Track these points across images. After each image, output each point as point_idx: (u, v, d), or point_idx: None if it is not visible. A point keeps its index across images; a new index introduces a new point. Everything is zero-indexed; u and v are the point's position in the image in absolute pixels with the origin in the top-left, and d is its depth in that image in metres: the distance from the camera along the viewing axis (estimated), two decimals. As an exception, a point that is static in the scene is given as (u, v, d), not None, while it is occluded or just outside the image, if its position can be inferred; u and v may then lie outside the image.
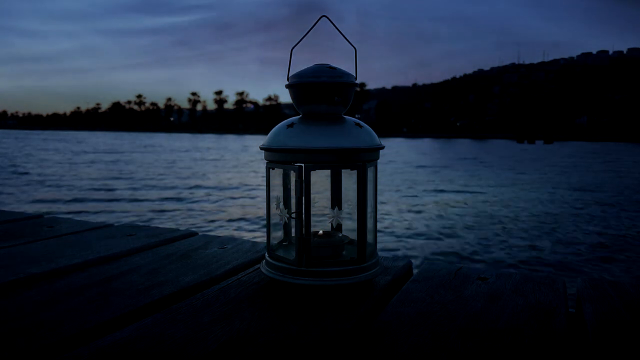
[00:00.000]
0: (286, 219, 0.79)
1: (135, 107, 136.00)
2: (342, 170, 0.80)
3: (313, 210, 0.71)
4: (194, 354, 0.52)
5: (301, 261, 0.71)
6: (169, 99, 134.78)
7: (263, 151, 0.76)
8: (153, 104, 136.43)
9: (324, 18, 0.75)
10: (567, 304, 0.68)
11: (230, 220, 7.45)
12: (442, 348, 0.54)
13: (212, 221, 7.39)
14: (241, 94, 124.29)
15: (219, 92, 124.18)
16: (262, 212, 7.66)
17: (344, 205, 0.80)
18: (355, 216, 0.74)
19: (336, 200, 0.82)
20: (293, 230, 0.76)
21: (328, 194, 0.82)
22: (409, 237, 6.40)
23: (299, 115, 0.77)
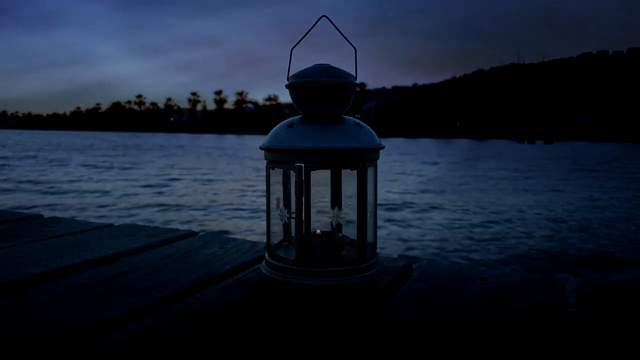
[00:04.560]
0: (286, 219, 0.79)
1: (135, 107, 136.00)
2: (342, 170, 0.80)
3: (313, 211, 0.72)
4: (194, 354, 0.52)
5: (301, 261, 0.71)
6: (169, 99, 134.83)
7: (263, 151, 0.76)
8: (153, 104, 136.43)
9: (324, 18, 0.75)
10: (567, 304, 0.68)
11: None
12: (442, 348, 0.54)
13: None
14: (240, 94, 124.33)
15: (218, 92, 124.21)
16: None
17: (344, 205, 0.80)
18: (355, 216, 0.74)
19: (336, 200, 0.82)
20: (293, 230, 0.76)
21: (328, 193, 0.82)
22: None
23: (299, 115, 0.77)
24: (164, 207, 8.23)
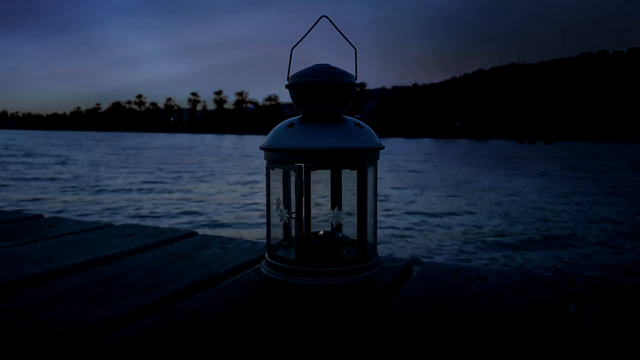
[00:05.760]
0: (286, 219, 0.79)
1: (135, 107, 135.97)
2: (342, 170, 0.80)
3: (313, 210, 0.72)
4: (194, 354, 0.52)
5: (301, 261, 0.71)
6: (169, 99, 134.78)
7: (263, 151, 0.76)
8: (153, 104, 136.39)
9: (323, 18, 0.75)
10: (567, 304, 0.68)
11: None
12: (442, 348, 0.54)
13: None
14: (240, 94, 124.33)
15: (218, 92, 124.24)
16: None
17: (344, 205, 0.80)
18: (355, 216, 0.74)
19: (336, 200, 0.82)
20: (293, 230, 0.76)
21: (328, 194, 0.82)
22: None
23: (299, 115, 0.77)
24: (167, 207, 8.24)
